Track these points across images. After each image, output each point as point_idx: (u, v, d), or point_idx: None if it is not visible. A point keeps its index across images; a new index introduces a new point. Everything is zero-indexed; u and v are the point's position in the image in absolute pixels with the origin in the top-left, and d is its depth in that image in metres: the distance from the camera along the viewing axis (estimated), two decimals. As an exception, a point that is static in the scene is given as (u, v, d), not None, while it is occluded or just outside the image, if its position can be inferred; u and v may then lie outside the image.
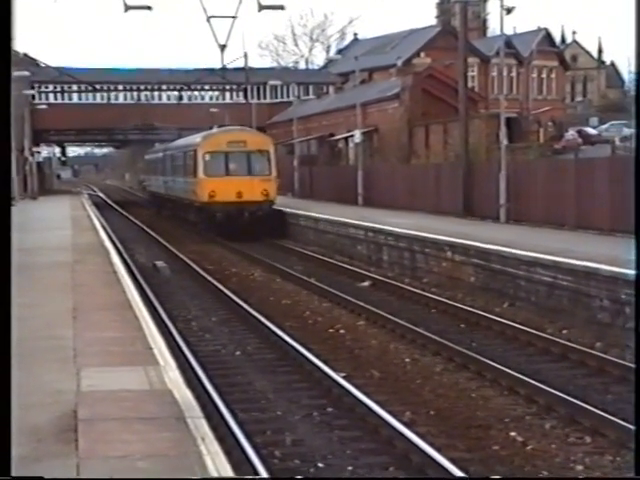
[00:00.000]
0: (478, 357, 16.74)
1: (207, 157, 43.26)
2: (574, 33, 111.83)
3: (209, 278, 27.62)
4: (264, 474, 10.48)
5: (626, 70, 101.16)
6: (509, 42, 77.28)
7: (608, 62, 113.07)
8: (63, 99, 79.43)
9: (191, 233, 46.52)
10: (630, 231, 24.62)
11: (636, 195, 7.82)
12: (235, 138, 43.99)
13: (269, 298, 24.83)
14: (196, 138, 46.92)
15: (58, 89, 79.08)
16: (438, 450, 11.49)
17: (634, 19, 7.51)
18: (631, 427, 12.46)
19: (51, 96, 78.57)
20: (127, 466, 8.44)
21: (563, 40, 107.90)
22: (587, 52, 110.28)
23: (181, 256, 34.15)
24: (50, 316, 16.16)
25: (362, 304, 22.51)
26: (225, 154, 43.24)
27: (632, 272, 18.76)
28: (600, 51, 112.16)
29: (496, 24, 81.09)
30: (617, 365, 16.24)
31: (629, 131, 66.91)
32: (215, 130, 47.43)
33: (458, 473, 10.58)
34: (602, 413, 13.18)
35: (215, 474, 8.21)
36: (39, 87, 74.63)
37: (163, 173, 59.44)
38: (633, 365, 15.26)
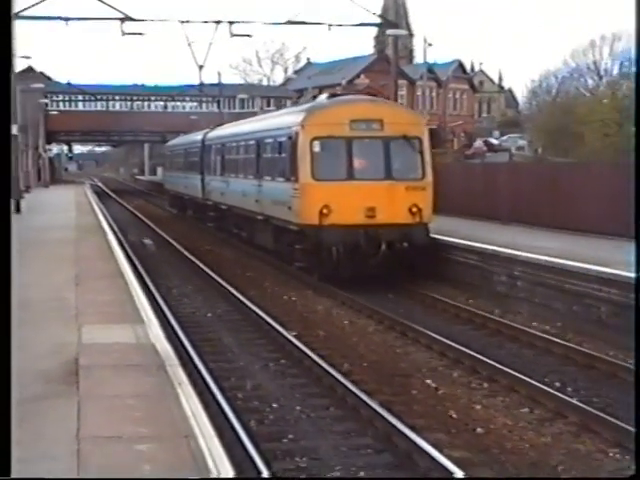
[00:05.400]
0: (403, 320, 16.76)
1: (316, 147, 20.89)
2: (481, 64, 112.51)
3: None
4: (228, 410, 10.43)
5: (520, 94, 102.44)
6: (431, 69, 77.56)
7: (507, 87, 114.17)
8: (71, 107, 79.48)
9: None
10: (525, 221, 24.89)
11: (636, 196, 6.85)
12: (364, 114, 21.39)
13: (237, 272, 24.65)
14: (294, 115, 23.16)
15: (67, 99, 79.22)
16: (369, 394, 11.51)
17: (634, 19, 6.69)
18: (520, 376, 12.57)
19: (61, 104, 78.63)
20: (119, 403, 8.47)
21: (472, 69, 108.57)
22: (490, 79, 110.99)
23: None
24: (57, 282, 16.13)
25: (313, 280, 22.26)
26: (347, 142, 20.90)
27: (523, 254, 18.91)
28: (500, 79, 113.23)
29: (420, 55, 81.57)
30: (510, 327, 16.35)
31: (522, 142, 67.55)
32: (326, 100, 23.57)
33: (385, 414, 10.58)
34: (497, 364, 13.26)
35: (188, 411, 8.19)
36: (51, 97, 74.63)
37: (208, 170, 34.79)
38: (576, 346, 14.87)
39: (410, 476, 8.18)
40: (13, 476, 5.37)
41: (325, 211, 20.53)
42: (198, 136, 39.00)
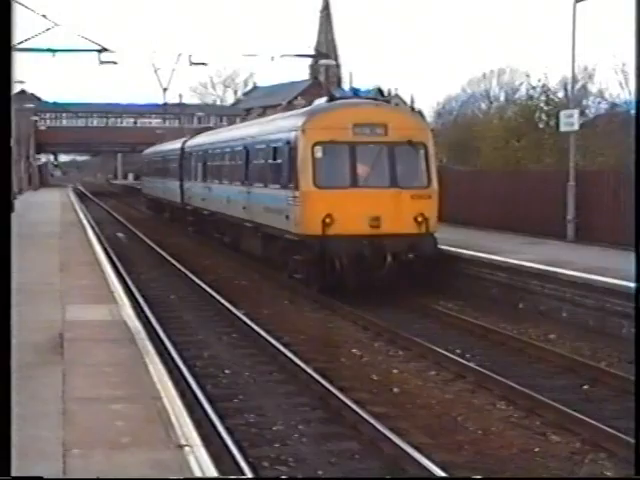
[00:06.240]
0: (334, 301, 16.58)
1: (318, 152, 16.58)
2: (396, 89, 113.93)
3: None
4: (188, 376, 10.34)
5: (428, 115, 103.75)
6: (356, 93, 77.93)
7: (417, 109, 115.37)
8: (56, 123, 79.49)
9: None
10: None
11: (636, 204, 5.87)
12: (367, 118, 17.03)
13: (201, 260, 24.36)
14: (292, 118, 18.72)
15: (53, 116, 79.38)
16: (306, 362, 11.47)
17: (634, 21, 5.72)
18: (429, 345, 12.67)
19: (48, 121, 78.48)
20: (97, 370, 8.39)
21: (389, 93, 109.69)
22: (404, 102, 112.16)
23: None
24: (45, 269, 15.89)
25: (259, 266, 22.18)
26: (350, 147, 16.68)
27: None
28: (412, 102, 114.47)
29: (347, 81, 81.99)
30: (421, 305, 16.44)
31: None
32: (326, 103, 18.26)
33: (319, 378, 10.58)
34: (413, 337, 13.31)
35: (155, 377, 8.11)
36: (40, 115, 74.36)
37: (189, 176, 30.18)
38: (473, 320, 14.95)
39: (405, 476, 7.77)
40: (13, 474, 5.04)
41: (328, 220, 16.32)
42: (177, 144, 34.17)
